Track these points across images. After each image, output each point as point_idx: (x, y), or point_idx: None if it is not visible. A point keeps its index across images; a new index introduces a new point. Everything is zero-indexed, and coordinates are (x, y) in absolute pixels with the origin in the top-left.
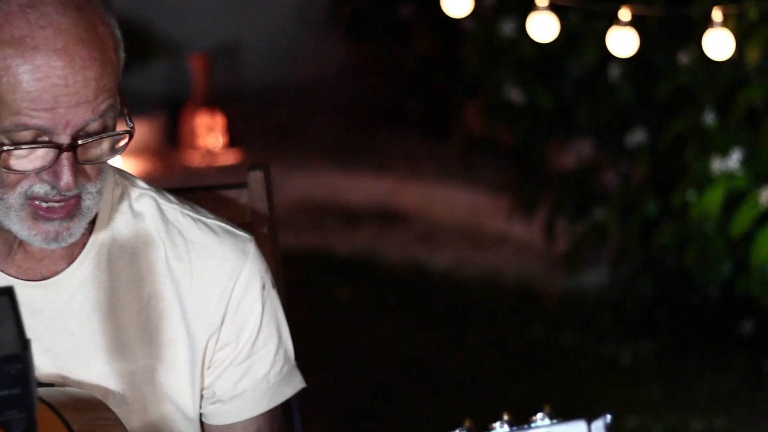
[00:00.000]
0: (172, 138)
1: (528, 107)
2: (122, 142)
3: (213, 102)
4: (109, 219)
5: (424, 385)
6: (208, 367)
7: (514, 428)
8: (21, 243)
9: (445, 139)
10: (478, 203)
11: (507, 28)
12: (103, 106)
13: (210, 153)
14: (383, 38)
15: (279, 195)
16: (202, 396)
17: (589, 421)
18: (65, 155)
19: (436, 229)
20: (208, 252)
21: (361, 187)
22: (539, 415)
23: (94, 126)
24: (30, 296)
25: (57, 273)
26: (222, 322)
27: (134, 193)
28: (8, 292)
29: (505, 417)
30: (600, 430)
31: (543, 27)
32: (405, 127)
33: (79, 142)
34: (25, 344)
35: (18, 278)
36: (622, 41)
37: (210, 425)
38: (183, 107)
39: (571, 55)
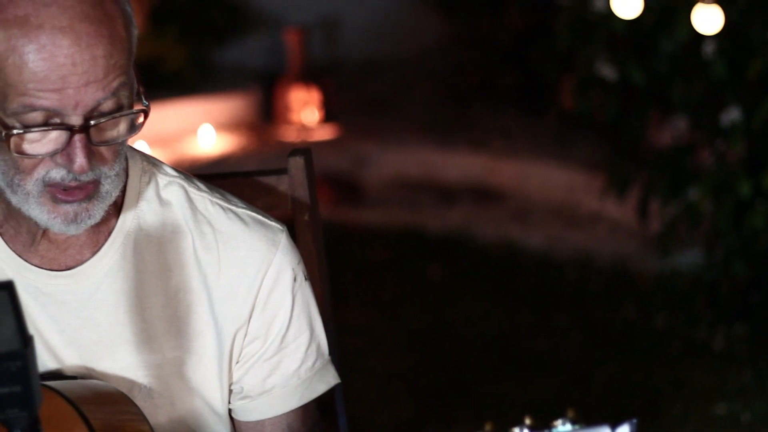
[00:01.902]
0: (268, 113)
1: (621, 84)
2: (139, 121)
3: (308, 76)
4: (136, 207)
5: (508, 366)
6: (237, 362)
7: None
8: (44, 232)
9: (541, 115)
10: (573, 181)
11: (600, 2)
12: (114, 84)
13: (305, 128)
14: (479, 12)
15: (373, 171)
16: (230, 391)
17: (614, 426)
18: (78, 137)
19: (530, 207)
20: (237, 242)
21: (457, 164)
22: (559, 421)
23: (108, 105)
24: (54, 286)
25: (82, 262)
26: (250, 315)
27: (162, 180)
28: (8, 287)
29: (527, 421)
30: None
31: (628, 3)
32: (501, 102)
33: (92, 122)
34: (26, 341)
35: (42, 268)
36: (708, 18)
37: (239, 421)
38: (278, 82)
39: (664, 31)
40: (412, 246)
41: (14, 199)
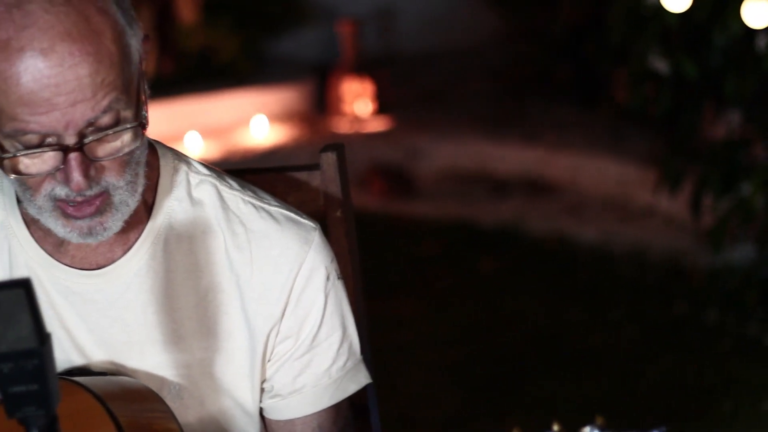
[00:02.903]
0: (321, 104)
1: (674, 78)
2: (140, 133)
3: (362, 68)
4: (167, 206)
5: (558, 361)
6: (268, 360)
7: None
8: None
9: (595, 108)
10: (626, 175)
11: None
12: (104, 102)
13: (358, 119)
14: (533, 5)
15: (426, 163)
16: (262, 390)
17: None
18: (73, 155)
19: (583, 201)
20: (270, 241)
21: (510, 157)
22: (587, 428)
23: (105, 120)
24: (84, 285)
25: (113, 261)
26: (283, 314)
27: (194, 179)
28: (24, 285)
29: (555, 428)
30: None
31: None
32: (555, 95)
33: (87, 140)
34: (42, 339)
35: (72, 267)
36: (758, 13)
37: (269, 420)
38: (331, 73)
39: (716, 25)
40: (464, 239)
41: (31, 212)
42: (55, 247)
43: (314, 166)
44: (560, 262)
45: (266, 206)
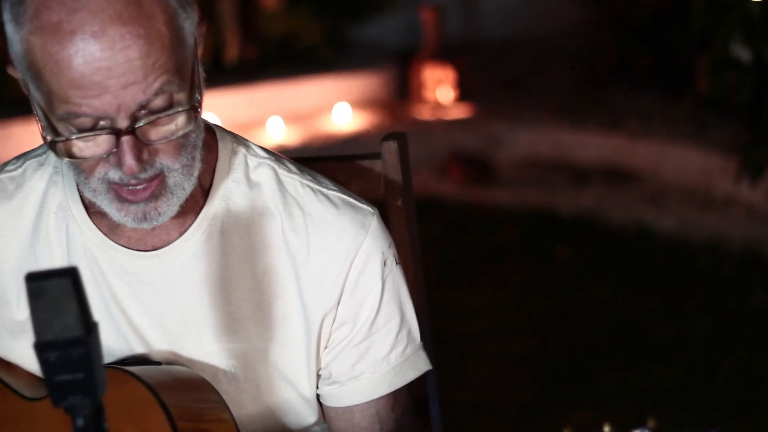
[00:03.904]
0: (403, 91)
1: (756, 66)
2: (194, 117)
3: (444, 55)
4: (225, 189)
5: (633, 352)
6: (325, 347)
7: None
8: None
9: (678, 96)
10: (708, 164)
11: None
12: (156, 85)
13: (440, 106)
14: None
15: (506, 151)
16: (319, 376)
17: None
18: (125, 139)
19: (664, 190)
20: (327, 225)
21: (590, 144)
22: (638, 430)
23: (157, 103)
24: (140, 266)
25: (168, 243)
26: (339, 300)
27: (252, 162)
28: (71, 273)
29: (606, 429)
30: None
31: None
32: (637, 83)
33: (139, 123)
34: (89, 328)
35: (129, 248)
36: None
37: (327, 407)
38: (413, 60)
39: None
40: (542, 227)
41: (87, 194)
42: (111, 228)
43: (376, 155)
44: (638, 252)
45: (324, 190)
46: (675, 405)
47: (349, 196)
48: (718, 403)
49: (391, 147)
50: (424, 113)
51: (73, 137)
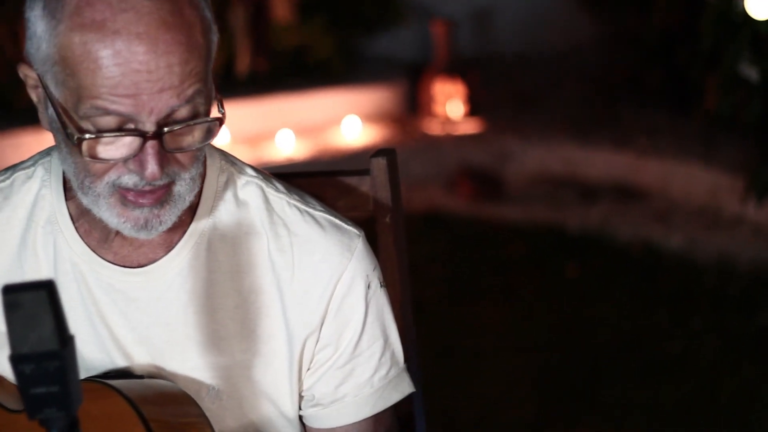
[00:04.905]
0: (414, 105)
1: (764, 85)
2: (215, 129)
3: (455, 69)
4: (212, 207)
5: (639, 370)
6: (308, 369)
7: None
8: (118, 230)
9: (688, 114)
10: (717, 182)
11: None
12: (189, 92)
13: (450, 121)
14: (626, 9)
15: (515, 166)
16: (302, 397)
17: None
18: (150, 143)
19: (672, 208)
20: (312, 246)
21: (600, 161)
22: None
23: (183, 112)
24: (126, 283)
25: (155, 260)
26: (322, 322)
27: (240, 180)
28: (47, 286)
29: None
30: None
31: (760, 2)
32: (648, 101)
33: (165, 129)
34: (64, 341)
35: (115, 264)
36: None
37: (310, 428)
38: (424, 74)
39: None
40: (551, 243)
41: (85, 201)
42: (99, 242)
43: (365, 171)
44: (645, 269)
45: (311, 210)
46: (680, 423)
47: (336, 217)
48: (722, 422)
49: (380, 163)
50: (434, 128)
51: (102, 135)
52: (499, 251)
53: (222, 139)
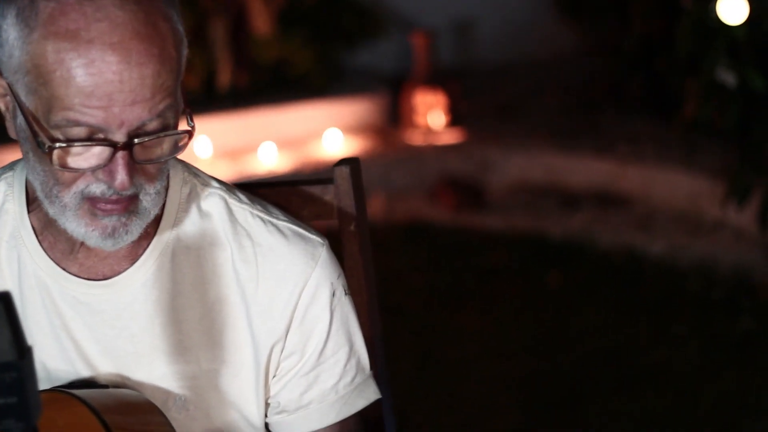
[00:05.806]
0: (395, 116)
1: (742, 91)
2: (183, 142)
3: (435, 80)
4: (175, 219)
5: (622, 377)
6: (274, 376)
7: None
8: (83, 242)
9: (668, 121)
10: (698, 188)
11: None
12: (160, 106)
13: (431, 132)
14: (606, 19)
15: (497, 176)
16: (268, 404)
17: None
18: (120, 154)
19: (653, 214)
20: (276, 256)
21: (581, 169)
22: None
23: (153, 125)
24: (91, 296)
25: (119, 273)
26: (288, 330)
27: (204, 192)
28: (3, 298)
29: None
30: None
31: (732, 8)
32: (629, 109)
33: (136, 141)
34: (21, 352)
35: (80, 277)
36: None
37: None
38: (404, 85)
39: None
40: (533, 252)
41: (51, 211)
42: (63, 255)
43: (328, 180)
44: (627, 277)
45: (274, 220)
46: (664, 430)
47: (299, 226)
48: (705, 429)
49: (343, 172)
50: (416, 138)
51: (72, 144)
52: (481, 260)
53: (204, 153)
